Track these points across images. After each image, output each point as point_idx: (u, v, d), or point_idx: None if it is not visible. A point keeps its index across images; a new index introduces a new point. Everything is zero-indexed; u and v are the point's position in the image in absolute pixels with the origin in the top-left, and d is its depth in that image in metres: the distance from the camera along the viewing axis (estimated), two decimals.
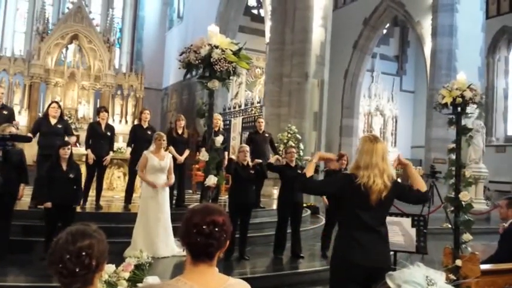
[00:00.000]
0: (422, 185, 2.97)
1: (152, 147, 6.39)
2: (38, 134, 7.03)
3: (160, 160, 6.25)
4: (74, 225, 1.62)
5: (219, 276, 1.69)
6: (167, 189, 6.39)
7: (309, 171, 2.96)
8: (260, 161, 6.96)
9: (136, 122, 8.29)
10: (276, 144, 11.33)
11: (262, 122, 9.25)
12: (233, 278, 1.71)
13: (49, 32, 17.17)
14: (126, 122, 18.19)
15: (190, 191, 11.42)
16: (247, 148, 6.64)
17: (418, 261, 1.21)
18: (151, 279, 3.23)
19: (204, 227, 1.63)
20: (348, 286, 2.84)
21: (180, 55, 3.74)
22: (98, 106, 12.64)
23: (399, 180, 3.24)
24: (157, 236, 6.03)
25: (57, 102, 7.44)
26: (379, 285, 1.13)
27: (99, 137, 7.59)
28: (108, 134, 7.69)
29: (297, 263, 6.49)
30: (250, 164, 6.54)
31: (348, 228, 2.91)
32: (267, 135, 9.14)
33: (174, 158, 7.07)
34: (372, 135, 3.05)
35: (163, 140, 6.38)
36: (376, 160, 2.84)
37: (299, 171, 6.24)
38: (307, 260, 6.61)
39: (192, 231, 1.63)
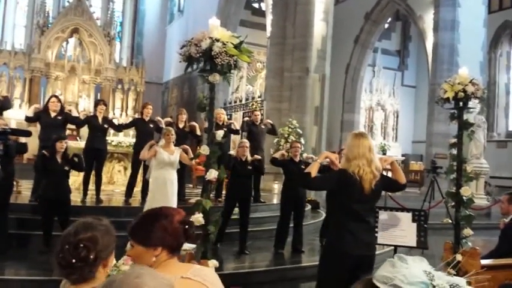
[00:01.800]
0: (403, 178, 3.29)
1: (162, 142, 6.37)
2: (39, 127, 7.07)
3: (170, 155, 6.24)
4: (86, 218, 1.63)
5: (185, 265, 1.79)
6: (175, 183, 6.34)
7: (314, 171, 3.11)
8: (259, 157, 7.06)
9: (138, 116, 8.24)
10: (276, 139, 11.34)
11: (258, 115, 9.14)
12: (197, 265, 1.84)
13: (49, 25, 17.11)
14: (127, 116, 18.17)
15: (191, 185, 11.42)
16: (248, 144, 6.69)
17: (401, 254, 1.18)
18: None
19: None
20: (338, 274, 3.01)
21: (181, 48, 3.72)
22: (97, 99, 12.58)
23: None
24: None
25: (56, 97, 7.43)
26: (358, 283, 1.11)
27: (96, 130, 7.56)
28: (105, 126, 7.68)
29: (298, 257, 6.50)
30: (249, 159, 6.59)
31: (339, 219, 3.10)
32: (263, 126, 9.07)
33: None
34: (359, 131, 3.30)
35: (172, 135, 6.37)
36: (363, 151, 3.04)
37: (302, 167, 6.29)
38: (308, 254, 6.62)
39: (183, 228, 1.74)
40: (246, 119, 10.46)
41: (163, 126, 7.46)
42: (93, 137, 7.57)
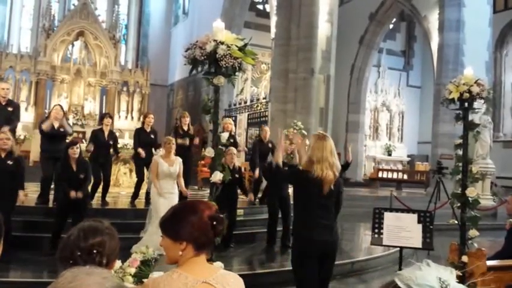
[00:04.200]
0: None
1: (161, 152, 6.37)
2: (40, 136, 7.11)
3: (170, 166, 6.22)
4: (87, 221, 1.61)
5: (211, 267, 1.75)
6: (176, 197, 6.32)
7: (279, 158, 3.53)
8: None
9: (139, 126, 8.26)
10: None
11: (267, 132, 8.95)
12: (223, 270, 1.77)
13: (55, 28, 17.19)
14: (132, 118, 18.22)
15: (196, 187, 11.44)
16: (235, 151, 6.95)
17: (427, 259, 1.19)
18: (157, 275, 3.24)
19: (220, 215, 1.74)
20: (308, 261, 3.27)
21: (186, 51, 3.73)
22: (103, 112, 12.52)
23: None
24: None
25: (60, 106, 7.49)
26: (387, 284, 1.12)
27: (102, 146, 7.62)
28: (111, 142, 7.73)
29: None
30: (236, 167, 6.87)
31: (304, 209, 3.36)
32: (270, 145, 8.99)
33: (184, 162, 6.94)
34: (321, 133, 3.50)
35: (173, 144, 6.37)
36: (326, 155, 3.25)
37: (285, 169, 6.73)
38: None
39: (212, 224, 1.70)
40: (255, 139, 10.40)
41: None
42: (98, 152, 7.57)
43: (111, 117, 8.23)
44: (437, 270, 1.08)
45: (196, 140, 8.09)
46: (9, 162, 5.28)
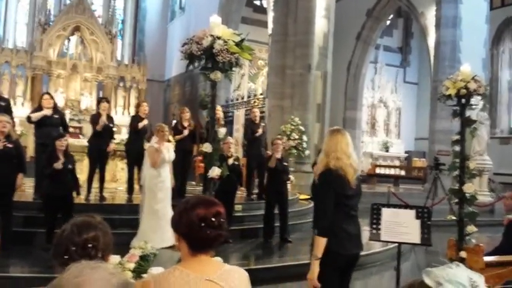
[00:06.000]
0: None
1: (155, 139, 6.33)
2: (34, 125, 7.10)
3: (167, 153, 6.28)
4: (79, 217, 1.60)
5: (215, 263, 1.70)
6: (170, 179, 6.41)
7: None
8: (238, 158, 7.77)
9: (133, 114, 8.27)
10: (278, 136, 11.30)
11: (255, 112, 9.34)
12: (228, 265, 1.71)
13: (51, 23, 17.09)
14: (129, 113, 18.15)
15: (193, 183, 11.42)
16: (232, 140, 7.21)
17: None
18: (155, 270, 3.24)
19: (213, 219, 1.62)
20: (333, 274, 3.03)
21: (183, 46, 3.72)
22: (99, 97, 12.50)
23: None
24: (166, 224, 6.01)
25: (49, 93, 7.46)
26: (413, 281, 1.12)
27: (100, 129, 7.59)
28: (111, 125, 7.68)
29: (302, 254, 6.50)
30: (233, 155, 7.09)
31: (335, 219, 3.02)
32: (262, 124, 9.32)
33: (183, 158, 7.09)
34: (336, 128, 3.33)
35: (166, 131, 6.36)
36: (341, 146, 3.09)
37: (285, 164, 7.09)
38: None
39: (199, 225, 1.61)
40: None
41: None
42: (96, 135, 7.57)
43: (108, 102, 8.09)
44: (467, 271, 1.09)
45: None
46: (8, 145, 5.40)
